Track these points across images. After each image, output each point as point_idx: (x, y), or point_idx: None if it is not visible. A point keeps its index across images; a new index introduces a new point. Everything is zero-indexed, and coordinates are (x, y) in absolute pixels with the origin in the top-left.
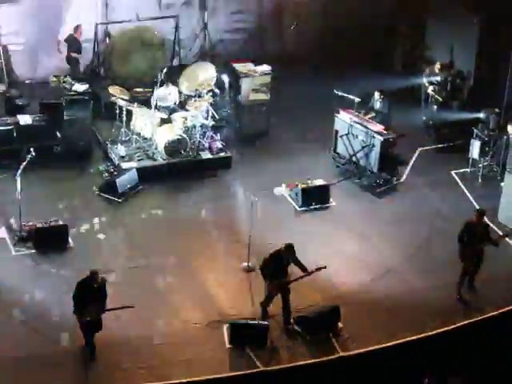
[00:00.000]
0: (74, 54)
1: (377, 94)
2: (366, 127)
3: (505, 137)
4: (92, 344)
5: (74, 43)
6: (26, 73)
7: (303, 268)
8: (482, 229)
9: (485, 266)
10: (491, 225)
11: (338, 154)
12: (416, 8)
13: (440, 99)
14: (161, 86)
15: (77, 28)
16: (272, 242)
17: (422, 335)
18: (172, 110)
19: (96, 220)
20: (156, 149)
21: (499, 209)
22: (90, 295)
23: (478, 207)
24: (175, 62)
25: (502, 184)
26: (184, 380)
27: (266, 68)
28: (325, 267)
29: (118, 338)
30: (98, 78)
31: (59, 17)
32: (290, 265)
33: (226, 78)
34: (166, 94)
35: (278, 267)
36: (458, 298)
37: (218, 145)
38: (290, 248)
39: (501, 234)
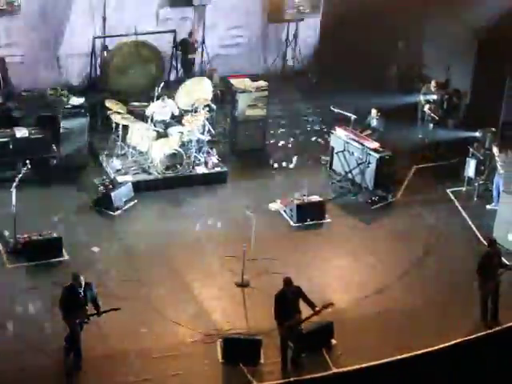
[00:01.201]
0: (190, 56)
1: (373, 112)
2: (362, 144)
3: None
4: (80, 352)
5: (188, 46)
6: (23, 85)
7: (311, 304)
8: (498, 257)
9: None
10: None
11: (333, 170)
12: (414, 26)
13: (436, 117)
14: (157, 100)
15: (191, 33)
16: (266, 257)
17: (414, 353)
18: (168, 125)
19: (91, 233)
20: (152, 163)
21: (494, 228)
22: (77, 299)
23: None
24: (172, 77)
25: (488, 206)
26: None
27: (262, 84)
28: (332, 304)
29: (110, 351)
30: (94, 91)
31: (59, 30)
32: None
33: None
34: (163, 109)
35: (285, 307)
36: (486, 325)
37: (214, 160)
38: (288, 283)
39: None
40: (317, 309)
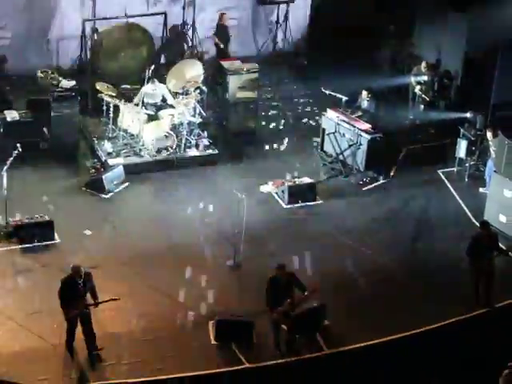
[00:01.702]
0: (216, 40)
1: (364, 93)
2: (353, 126)
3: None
4: (72, 342)
5: (219, 30)
6: (12, 68)
7: (303, 290)
8: (491, 240)
9: None
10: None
11: (325, 152)
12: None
13: (427, 99)
14: (148, 82)
15: (222, 16)
16: (258, 239)
17: (407, 333)
18: (159, 107)
19: (82, 216)
20: (143, 145)
21: (485, 209)
22: (77, 290)
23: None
24: (163, 59)
25: (481, 189)
26: (169, 376)
27: (253, 66)
28: (317, 290)
29: (103, 333)
30: (85, 74)
31: (48, 13)
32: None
33: None
34: (154, 91)
35: (277, 293)
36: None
37: (205, 142)
38: (280, 268)
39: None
40: (306, 293)
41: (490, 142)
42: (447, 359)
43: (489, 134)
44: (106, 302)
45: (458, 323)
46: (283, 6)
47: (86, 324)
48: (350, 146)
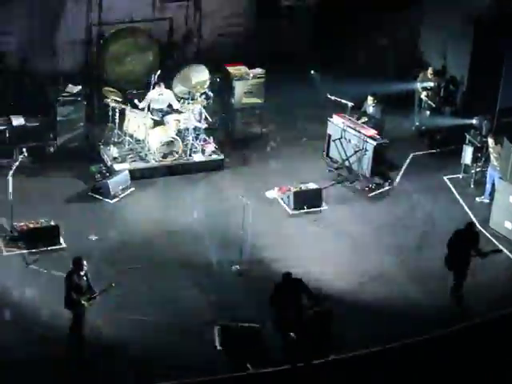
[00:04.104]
0: None
1: (370, 99)
2: (358, 132)
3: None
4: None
5: None
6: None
7: (311, 296)
8: (472, 239)
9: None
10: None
11: (330, 158)
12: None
13: (433, 105)
14: (154, 88)
15: None
16: (263, 244)
17: (410, 340)
18: (165, 113)
19: (88, 221)
20: (149, 150)
21: (491, 215)
22: (81, 285)
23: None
24: (169, 64)
25: (478, 199)
26: (174, 382)
27: (259, 71)
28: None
29: (108, 339)
30: (91, 79)
31: (55, 17)
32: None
33: None
34: (159, 97)
35: (280, 301)
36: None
37: (211, 147)
38: (286, 276)
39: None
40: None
41: (491, 149)
42: (448, 367)
43: (490, 141)
44: (105, 290)
45: (462, 331)
46: None
47: None
48: (355, 152)
